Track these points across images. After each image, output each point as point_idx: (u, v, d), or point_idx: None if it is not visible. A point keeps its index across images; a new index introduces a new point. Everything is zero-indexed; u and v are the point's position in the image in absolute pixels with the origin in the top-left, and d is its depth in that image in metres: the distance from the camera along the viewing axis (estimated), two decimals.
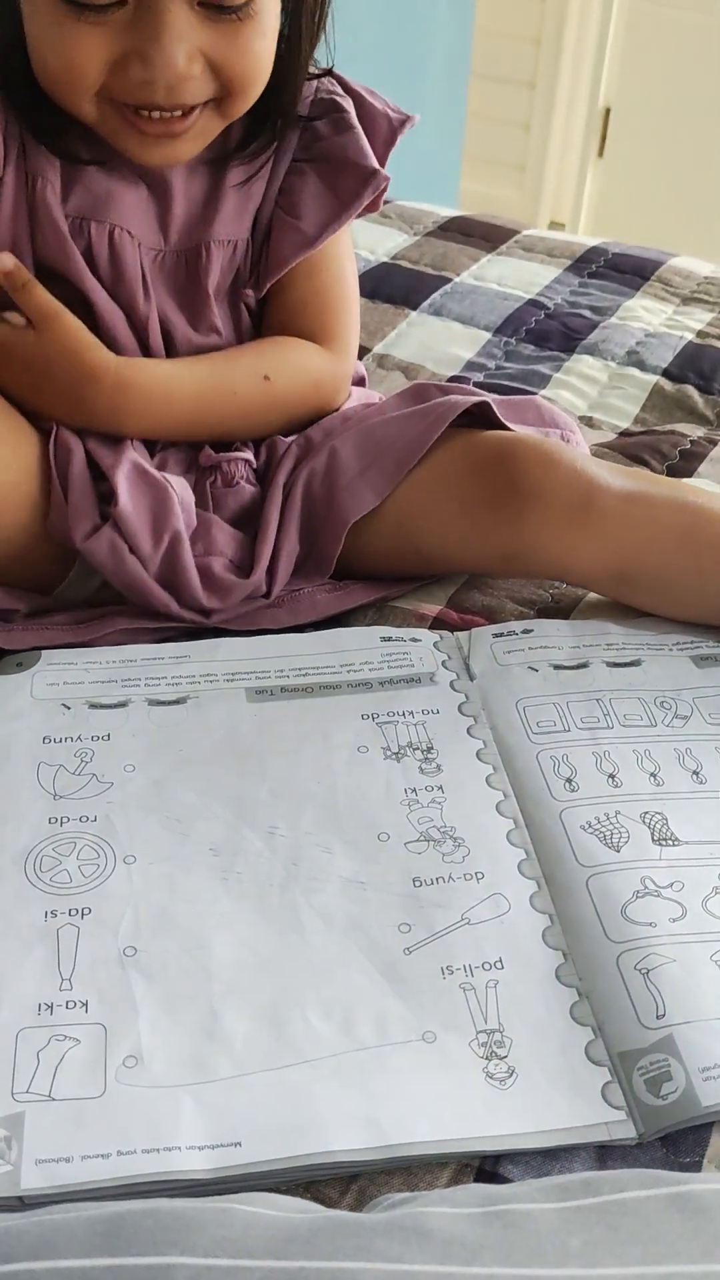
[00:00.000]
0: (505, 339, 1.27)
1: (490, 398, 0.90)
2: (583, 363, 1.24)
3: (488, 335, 1.27)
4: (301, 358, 0.89)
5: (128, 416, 0.83)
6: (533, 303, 1.34)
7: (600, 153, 2.83)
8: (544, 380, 1.20)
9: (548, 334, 1.28)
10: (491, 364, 1.23)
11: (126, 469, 0.81)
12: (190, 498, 0.85)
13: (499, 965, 0.61)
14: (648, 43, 2.67)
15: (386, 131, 0.88)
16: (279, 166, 0.86)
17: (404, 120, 0.89)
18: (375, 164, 0.86)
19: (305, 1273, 0.36)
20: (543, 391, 1.18)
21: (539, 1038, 0.58)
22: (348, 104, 0.87)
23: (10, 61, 0.75)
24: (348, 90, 0.88)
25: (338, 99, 0.87)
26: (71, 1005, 0.58)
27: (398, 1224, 0.41)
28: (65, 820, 0.68)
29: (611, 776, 0.72)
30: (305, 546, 0.86)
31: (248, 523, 0.87)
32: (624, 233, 1.64)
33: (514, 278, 1.39)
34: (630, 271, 1.42)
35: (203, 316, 0.87)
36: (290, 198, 0.87)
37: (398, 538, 0.86)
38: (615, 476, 0.83)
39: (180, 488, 0.84)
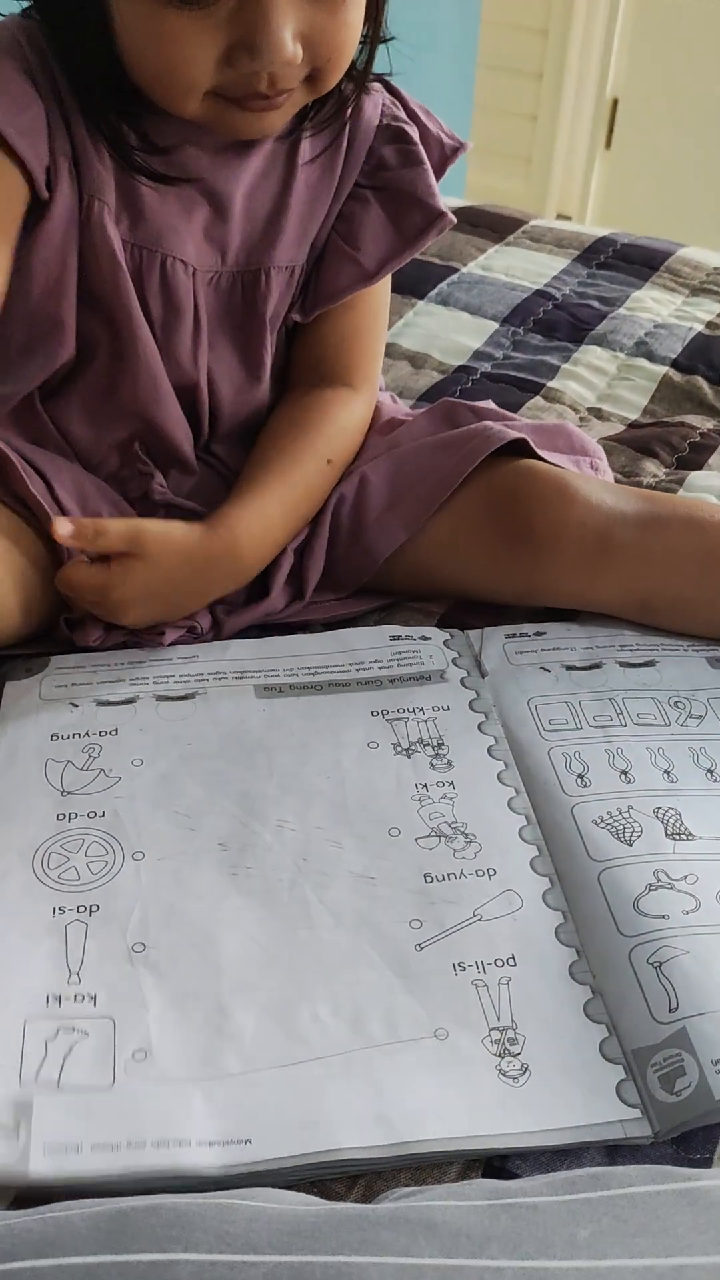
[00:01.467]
0: (513, 329, 1.27)
1: (522, 424, 0.88)
2: (591, 353, 1.23)
3: (495, 325, 1.26)
4: (348, 419, 0.87)
5: (246, 572, 0.81)
6: (540, 293, 1.33)
7: (608, 144, 2.82)
8: (552, 371, 1.19)
9: (556, 324, 1.28)
10: (499, 354, 1.22)
11: None
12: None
13: (512, 962, 0.61)
14: (656, 33, 2.65)
15: (438, 159, 0.85)
16: (342, 188, 0.83)
17: (456, 149, 0.86)
18: (442, 205, 0.83)
19: (310, 1267, 0.36)
20: (550, 382, 1.17)
21: (552, 1035, 0.58)
22: (413, 132, 0.84)
23: (89, 58, 0.70)
24: (406, 109, 0.85)
25: (404, 127, 0.83)
26: (80, 999, 0.58)
27: (403, 1216, 0.40)
28: (73, 816, 0.68)
29: (624, 773, 0.72)
30: (327, 566, 0.86)
31: None
32: (632, 225, 1.63)
33: (521, 268, 1.38)
34: (639, 262, 1.41)
35: (255, 347, 0.84)
36: (349, 225, 0.84)
37: (415, 566, 0.85)
38: (630, 506, 0.81)
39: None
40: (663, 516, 0.81)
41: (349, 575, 0.86)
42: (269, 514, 0.80)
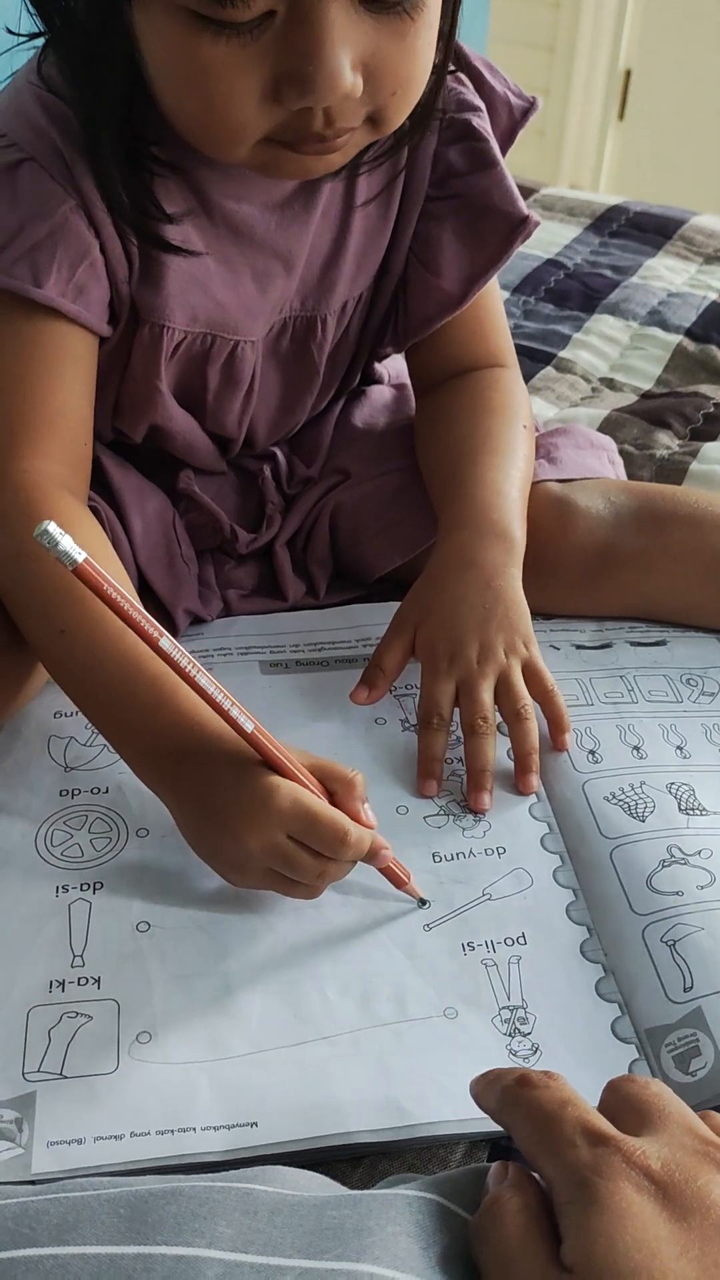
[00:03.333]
0: (524, 298, 1.25)
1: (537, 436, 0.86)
2: (603, 323, 1.21)
3: (506, 294, 1.25)
4: (512, 386, 0.83)
5: (518, 544, 0.74)
6: (552, 262, 1.31)
7: (621, 116, 2.78)
8: (563, 340, 1.17)
9: (567, 293, 1.26)
10: (509, 323, 1.20)
11: (186, 608, 0.79)
12: (218, 606, 0.82)
13: (522, 941, 0.59)
14: (668, 4, 2.61)
15: (506, 122, 0.78)
16: (409, 209, 0.76)
17: (526, 110, 0.78)
18: (524, 208, 0.76)
19: (336, 1275, 0.35)
20: (562, 352, 1.15)
21: (564, 1014, 0.56)
22: (481, 122, 0.76)
23: (114, 103, 0.61)
24: (467, 66, 0.76)
25: (470, 119, 0.75)
26: (84, 982, 0.57)
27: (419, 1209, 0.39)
28: (76, 793, 0.67)
29: (636, 749, 0.70)
30: (335, 568, 0.85)
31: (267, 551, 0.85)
32: (645, 197, 1.60)
33: (533, 237, 1.35)
34: (652, 230, 1.39)
35: (298, 390, 0.80)
36: (427, 249, 0.77)
37: (418, 572, 0.82)
38: (630, 512, 0.79)
39: (213, 608, 0.81)
40: (662, 517, 0.79)
41: (353, 577, 0.85)
42: (502, 490, 0.76)
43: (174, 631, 0.77)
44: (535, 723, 0.68)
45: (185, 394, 0.76)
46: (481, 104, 0.76)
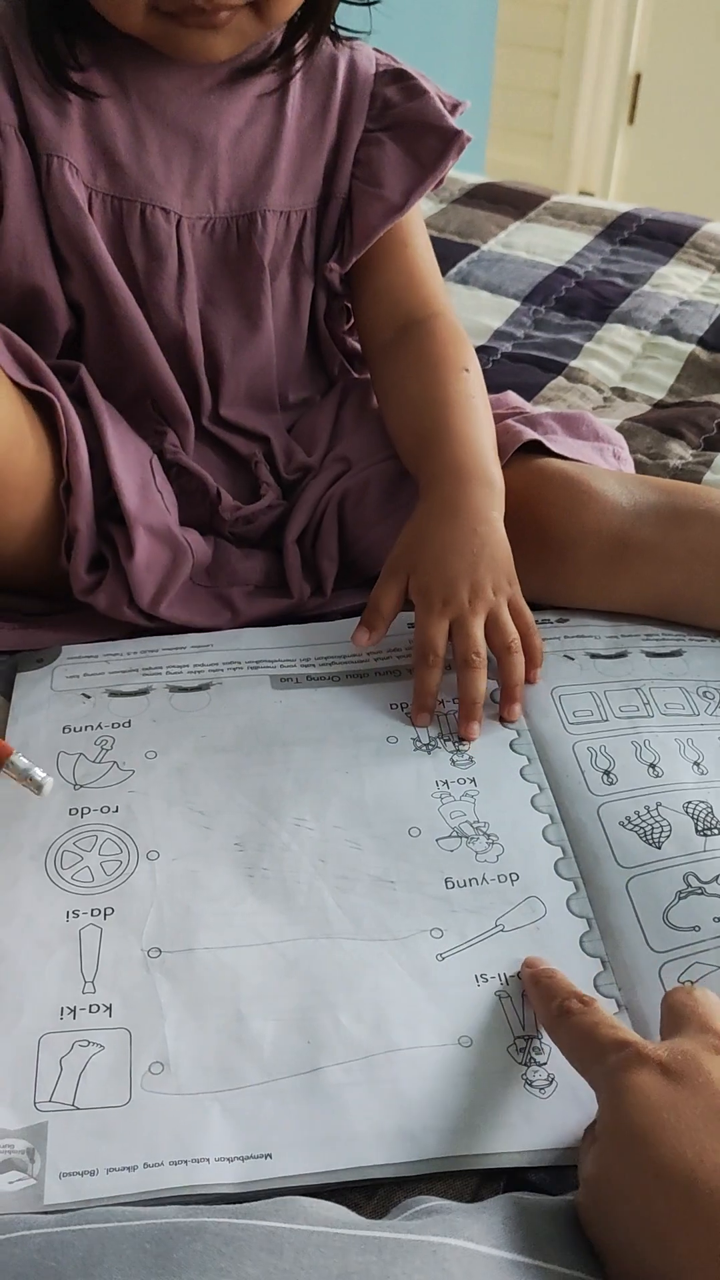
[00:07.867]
0: (534, 308, 1.24)
1: (541, 412, 0.86)
2: (615, 332, 1.20)
3: (516, 304, 1.24)
4: (449, 330, 0.85)
5: (499, 489, 0.77)
6: (563, 270, 1.30)
7: (631, 119, 2.78)
8: (574, 350, 1.17)
9: (578, 302, 1.25)
10: (520, 333, 1.19)
11: (149, 524, 0.77)
12: (207, 554, 0.82)
13: None
14: (678, 6, 2.61)
15: None
16: (348, 137, 0.83)
17: (454, 105, 0.85)
18: (455, 124, 0.83)
19: None
20: (573, 362, 1.14)
21: None
22: (414, 70, 0.85)
23: None
24: (400, 69, 0.85)
25: (403, 67, 0.85)
26: (95, 1009, 0.56)
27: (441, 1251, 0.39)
28: (86, 811, 0.66)
29: (652, 766, 0.69)
30: (341, 562, 0.85)
31: (272, 537, 0.85)
32: (656, 201, 1.60)
33: (543, 245, 1.35)
34: (663, 238, 1.38)
35: (251, 294, 0.83)
36: (369, 169, 0.83)
37: None
38: (649, 503, 0.79)
39: (198, 549, 0.81)
40: (683, 512, 0.79)
41: (361, 570, 0.84)
42: (471, 437, 0.78)
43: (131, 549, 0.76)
44: (522, 656, 0.73)
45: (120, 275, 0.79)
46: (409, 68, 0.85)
